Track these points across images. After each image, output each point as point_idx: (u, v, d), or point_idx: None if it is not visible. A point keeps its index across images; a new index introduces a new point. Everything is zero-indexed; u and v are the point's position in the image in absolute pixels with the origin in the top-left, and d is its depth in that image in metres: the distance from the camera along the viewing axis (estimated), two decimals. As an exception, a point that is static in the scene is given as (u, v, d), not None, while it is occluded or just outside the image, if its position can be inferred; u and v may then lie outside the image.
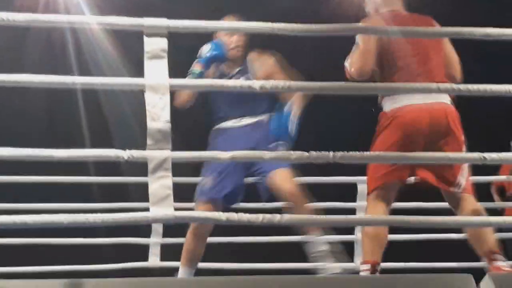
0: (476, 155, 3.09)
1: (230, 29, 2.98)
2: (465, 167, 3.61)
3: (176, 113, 3.06)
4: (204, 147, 4.19)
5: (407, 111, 3.53)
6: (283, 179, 3.99)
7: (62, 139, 7.49)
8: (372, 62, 3.60)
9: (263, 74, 4.15)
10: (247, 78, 4.14)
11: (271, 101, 4.22)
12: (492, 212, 5.39)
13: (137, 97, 2.92)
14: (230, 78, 4.18)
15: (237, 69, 4.25)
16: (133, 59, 3.04)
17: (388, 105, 3.61)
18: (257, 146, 4.01)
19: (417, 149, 3.47)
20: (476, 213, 3.48)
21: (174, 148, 2.87)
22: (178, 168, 2.96)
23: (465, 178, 3.59)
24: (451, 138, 3.57)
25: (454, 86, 3.20)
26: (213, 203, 4.08)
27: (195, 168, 4.35)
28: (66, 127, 8.89)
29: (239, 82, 2.98)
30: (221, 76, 4.21)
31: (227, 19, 4.06)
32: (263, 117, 4.22)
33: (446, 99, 3.60)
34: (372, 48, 3.60)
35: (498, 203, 7.03)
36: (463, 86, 3.15)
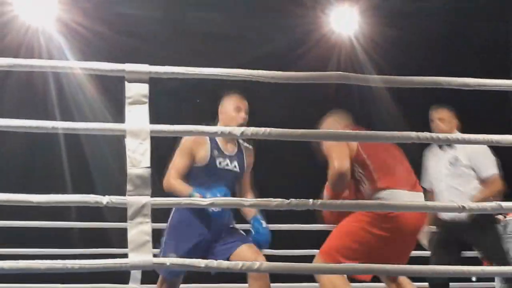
0: (455, 204, 3.10)
1: (209, 76, 2.99)
2: None
3: (156, 158, 3.05)
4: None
5: (410, 216, 3.71)
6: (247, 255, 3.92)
7: (42, 184, 7.46)
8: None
9: (249, 164, 4.23)
10: (240, 161, 4.16)
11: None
12: (471, 261, 5.40)
13: (119, 141, 2.92)
14: (230, 158, 4.14)
15: (236, 151, 4.20)
16: (116, 103, 3.06)
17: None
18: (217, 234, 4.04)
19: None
20: None
21: (156, 194, 2.87)
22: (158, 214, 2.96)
23: None
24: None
25: (434, 135, 3.23)
26: (168, 283, 4.08)
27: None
28: (46, 171, 8.85)
29: (220, 129, 2.98)
30: (219, 155, 4.12)
31: (233, 97, 4.14)
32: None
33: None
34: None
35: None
36: (442, 135, 3.18)
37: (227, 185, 3.93)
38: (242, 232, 4.10)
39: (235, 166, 4.11)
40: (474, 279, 5.87)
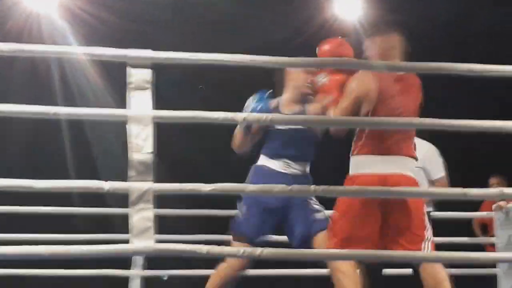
0: (457, 190, 3.10)
1: (213, 62, 2.98)
2: (427, 233, 3.62)
3: (160, 144, 3.05)
4: (187, 178, 4.15)
5: (363, 180, 3.56)
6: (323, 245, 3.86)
7: (45, 170, 7.47)
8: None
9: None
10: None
11: (317, 146, 4.14)
12: (474, 248, 5.41)
13: (123, 127, 2.91)
14: None
15: (296, 110, 4.10)
16: (120, 88, 3.06)
17: (353, 169, 3.65)
18: (289, 204, 3.98)
19: (372, 216, 3.54)
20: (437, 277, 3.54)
21: (160, 179, 2.86)
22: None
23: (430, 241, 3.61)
24: (405, 211, 3.57)
25: (437, 121, 3.21)
26: (245, 239, 3.97)
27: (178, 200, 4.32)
28: (49, 157, 8.86)
29: (222, 115, 2.97)
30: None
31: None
32: (308, 167, 4.12)
33: (408, 170, 3.64)
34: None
35: (480, 239, 7.05)
36: (446, 121, 3.17)
37: (299, 149, 3.99)
38: (321, 210, 4.05)
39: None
40: None
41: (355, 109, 3.58)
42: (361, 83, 3.60)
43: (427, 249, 3.54)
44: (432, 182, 4.81)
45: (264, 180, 3.85)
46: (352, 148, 3.68)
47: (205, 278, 4.11)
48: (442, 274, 3.54)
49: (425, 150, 4.71)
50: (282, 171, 4.02)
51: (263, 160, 4.08)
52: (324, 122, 3.60)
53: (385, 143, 3.58)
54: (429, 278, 3.54)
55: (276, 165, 4.04)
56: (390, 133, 3.58)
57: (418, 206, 3.60)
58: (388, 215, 3.57)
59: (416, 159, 3.69)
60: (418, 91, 3.72)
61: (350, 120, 3.49)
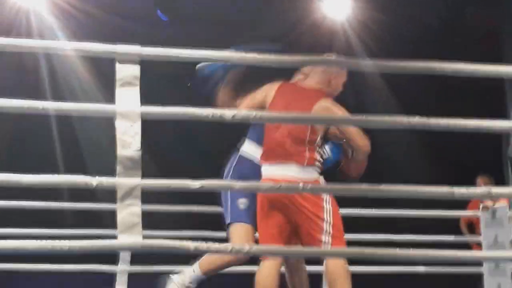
0: (445, 189, 3.10)
1: (202, 59, 2.99)
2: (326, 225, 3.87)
3: (148, 141, 3.05)
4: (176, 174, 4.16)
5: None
6: None
7: (34, 165, 7.45)
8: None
9: None
10: None
11: None
12: (460, 246, 5.43)
13: (112, 122, 2.90)
14: None
15: None
16: (109, 84, 3.05)
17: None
18: None
19: (275, 214, 3.82)
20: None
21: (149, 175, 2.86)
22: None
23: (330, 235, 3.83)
24: (297, 209, 3.83)
25: (425, 120, 3.22)
26: (251, 226, 4.01)
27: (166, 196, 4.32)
28: (38, 152, 8.83)
29: (211, 111, 2.96)
30: None
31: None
32: None
33: (297, 172, 3.84)
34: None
35: (467, 238, 7.08)
36: (433, 121, 3.17)
37: None
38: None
39: None
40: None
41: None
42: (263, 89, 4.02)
43: (327, 243, 3.78)
44: None
45: (250, 171, 3.94)
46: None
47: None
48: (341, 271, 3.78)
49: None
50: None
51: (250, 149, 4.12)
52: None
53: (273, 150, 3.87)
54: (327, 274, 3.79)
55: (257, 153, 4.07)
56: (274, 140, 3.88)
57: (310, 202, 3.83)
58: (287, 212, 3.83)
59: (312, 164, 3.88)
60: (307, 106, 3.92)
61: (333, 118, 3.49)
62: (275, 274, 3.78)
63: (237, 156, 4.12)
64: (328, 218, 3.84)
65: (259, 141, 4.05)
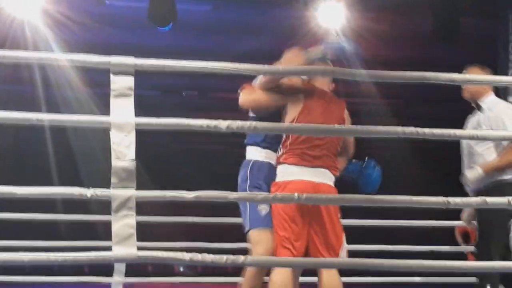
0: (440, 199, 3.11)
1: (196, 69, 2.99)
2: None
3: (142, 152, 3.04)
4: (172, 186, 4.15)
5: (294, 185, 3.73)
6: None
7: (29, 176, 7.44)
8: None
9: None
10: None
11: None
12: (456, 256, 5.43)
13: (107, 133, 2.90)
14: None
15: None
16: (103, 95, 3.05)
17: (280, 176, 3.82)
18: None
19: (299, 222, 3.76)
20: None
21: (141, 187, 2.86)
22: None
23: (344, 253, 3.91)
24: (324, 222, 3.81)
25: (419, 130, 3.23)
26: (271, 231, 3.92)
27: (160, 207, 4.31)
28: (33, 164, 8.82)
29: (206, 122, 2.97)
30: None
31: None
32: None
33: (331, 181, 3.86)
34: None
35: (462, 248, 7.07)
36: (428, 131, 3.18)
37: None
38: None
39: None
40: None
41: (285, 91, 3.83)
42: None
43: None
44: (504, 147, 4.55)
45: (270, 173, 3.92)
46: (278, 156, 3.86)
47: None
48: (338, 282, 3.78)
49: (500, 109, 4.58)
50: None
51: (260, 154, 4.05)
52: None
53: (310, 155, 3.80)
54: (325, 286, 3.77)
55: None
56: (314, 146, 3.80)
57: (336, 214, 3.86)
58: (314, 222, 3.79)
59: (335, 169, 3.90)
60: (340, 111, 3.96)
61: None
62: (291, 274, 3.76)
63: (251, 163, 4.05)
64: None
65: (260, 143, 4.04)
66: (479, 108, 4.62)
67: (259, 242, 3.92)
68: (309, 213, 3.77)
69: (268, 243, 3.89)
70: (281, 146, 3.87)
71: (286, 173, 3.80)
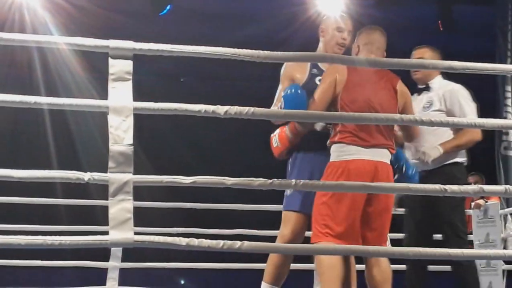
0: (437, 186, 3.11)
1: (195, 54, 2.98)
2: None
3: (141, 136, 3.04)
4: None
5: (358, 164, 3.71)
6: None
7: (27, 159, 7.44)
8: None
9: None
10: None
11: None
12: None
13: (105, 117, 2.90)
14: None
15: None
16: (103, 79, 3.05)
17: (339, 155, 3.75)
18: None
19: (360, 200, 3.70)
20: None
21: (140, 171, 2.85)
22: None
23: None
24: (382, 199, 3.76)
25: (418, 117, 3.23)
26: (304, 214, 3.92)
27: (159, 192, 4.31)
28: (31, 147, 8.82)
29: (204, 107, 2.96)
30: (318, 73, 4.03)
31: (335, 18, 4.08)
32: None
33: (388, 160, 3.82)
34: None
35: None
36: (426, 118, 3.19)
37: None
38: None
39: None
40: None
41: (331, 90, 3.76)
42: (331, 69, 3.83)
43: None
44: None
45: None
46: (332, 135, 3.79)
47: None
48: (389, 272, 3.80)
49: (452, 89, 4.59)
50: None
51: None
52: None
53: (365, 132, 3.71)
54: (378, 276, 3.76)
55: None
56: (367, 125, 3.71)
57: (390, 204, 3.81)
58: (368, 206, 3.74)
59: (392, 147, 3.82)
60: (390, 87, 3.86)
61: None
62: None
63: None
64: None
65: None
66: (427, 88, 4.62)
67: (283, 225, 3.95)
68: None
69: (293, 227, 3.90)
70: (332, 126, 3.82)
71: (342, 152, 3.75)
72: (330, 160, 3.77)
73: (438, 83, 4.61)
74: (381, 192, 3.59)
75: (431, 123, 3.23)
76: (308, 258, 4.06)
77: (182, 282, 7.39)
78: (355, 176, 3.63)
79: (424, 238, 4.45)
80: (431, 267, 4.90)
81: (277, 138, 3.97)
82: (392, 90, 3.87)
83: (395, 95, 3.87)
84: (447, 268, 4.74)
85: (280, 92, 3.99)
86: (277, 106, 3.92)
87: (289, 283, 4.10)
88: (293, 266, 4.18)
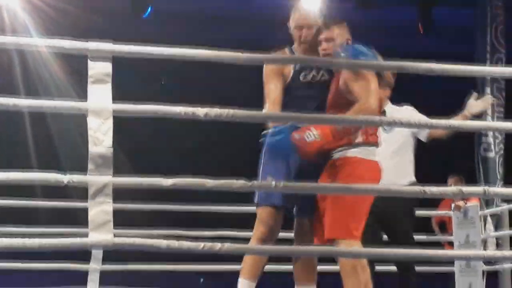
0: (416, 188, 3.13)
1: (175, 56, 2.98)
2: None
3: (120, 138, 3.03)
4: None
5: (373, 164, 3.68)
6: None
7: (7, 161, 7.41)
8: None
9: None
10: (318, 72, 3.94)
11: None
12: (432, 245, 5.46)
13: (85, 119, 2.89)
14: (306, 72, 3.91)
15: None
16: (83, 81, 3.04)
17: (356, 154, 3.67)
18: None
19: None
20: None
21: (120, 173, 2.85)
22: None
23: None
24: None
25: (397, 119, 3.24)
26: (276, 209, 3.79)
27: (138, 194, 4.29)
28: (11, 149, 8.77)
29: (183, 109, 2.96)
30: (300, 70, 3.92)
31: (294, 14, 4.01)
32: None
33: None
34: None
35: (438, 237, 7.13)
36: (405, 120, 3.20)
37: (319, 100, 3.81)
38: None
39: (322, 75, 3.91)
40: None
41: None
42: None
43: None
44: None
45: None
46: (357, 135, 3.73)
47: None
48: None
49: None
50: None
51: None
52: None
53: (369, 133, 3.70)
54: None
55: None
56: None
57: None
58: None
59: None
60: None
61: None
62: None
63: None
64: None
65: None
66: (383, 113, 4.69)
67: (259, 221, 3.82)
68: None
69: (270, 222, 3.77)
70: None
71: (359, 152, 3.68)
72: (357, 156, 3.67)
73: (390, 108, 4.76)
74: (360, 193, 3.57)
75: (410, 125, 3.25)
76: (289, 259, 4.04)
77: (202, 280, 7.23)
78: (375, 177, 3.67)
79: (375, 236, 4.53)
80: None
81: (317, 133, 3.70)
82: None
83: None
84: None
85: (270, 91, 3.88)
86: (274, 106, 3.83)
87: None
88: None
